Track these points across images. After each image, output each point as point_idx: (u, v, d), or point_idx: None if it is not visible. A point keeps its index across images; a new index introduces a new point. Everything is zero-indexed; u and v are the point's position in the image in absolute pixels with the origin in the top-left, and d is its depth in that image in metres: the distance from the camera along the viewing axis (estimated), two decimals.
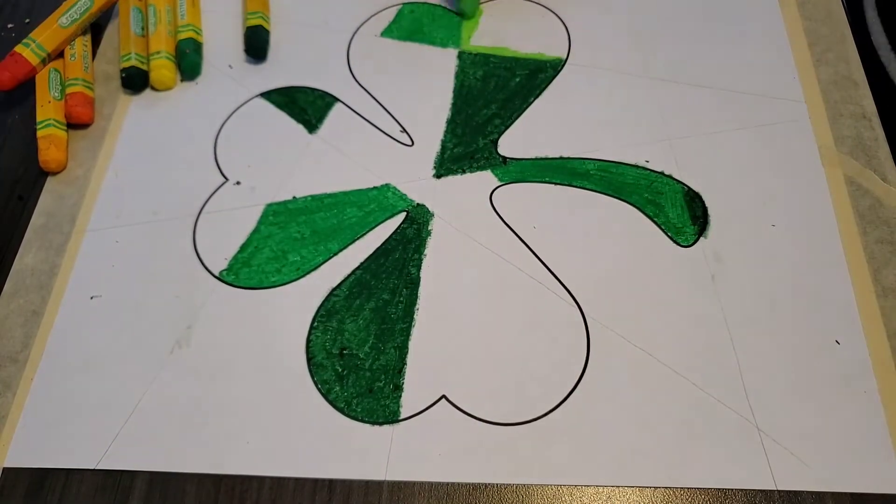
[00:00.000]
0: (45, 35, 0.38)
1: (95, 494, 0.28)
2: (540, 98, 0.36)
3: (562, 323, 0.30)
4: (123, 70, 0.39)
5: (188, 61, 0.39)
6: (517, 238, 0.32)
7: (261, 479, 0.28)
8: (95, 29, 0.42)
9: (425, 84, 0.38)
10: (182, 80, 0.40)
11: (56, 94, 0.38)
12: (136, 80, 0.39)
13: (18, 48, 0.38)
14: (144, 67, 0.39)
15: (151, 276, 0.33)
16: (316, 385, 0.30)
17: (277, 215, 0.34)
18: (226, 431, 0.29)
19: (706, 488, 0.26)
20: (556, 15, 0.39)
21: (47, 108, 0.37)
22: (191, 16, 0.40)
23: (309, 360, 0.30)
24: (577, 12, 0.39)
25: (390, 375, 0.29)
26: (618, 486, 0.27)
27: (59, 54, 0.40)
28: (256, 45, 0.39)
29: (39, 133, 0.37)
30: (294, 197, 0.35)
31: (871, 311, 0.29)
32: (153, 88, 0.39)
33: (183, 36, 0.39)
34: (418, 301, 0.31)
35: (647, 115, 0.35)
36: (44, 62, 0.39)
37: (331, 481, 0.28)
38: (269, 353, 0.30)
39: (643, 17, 0.39)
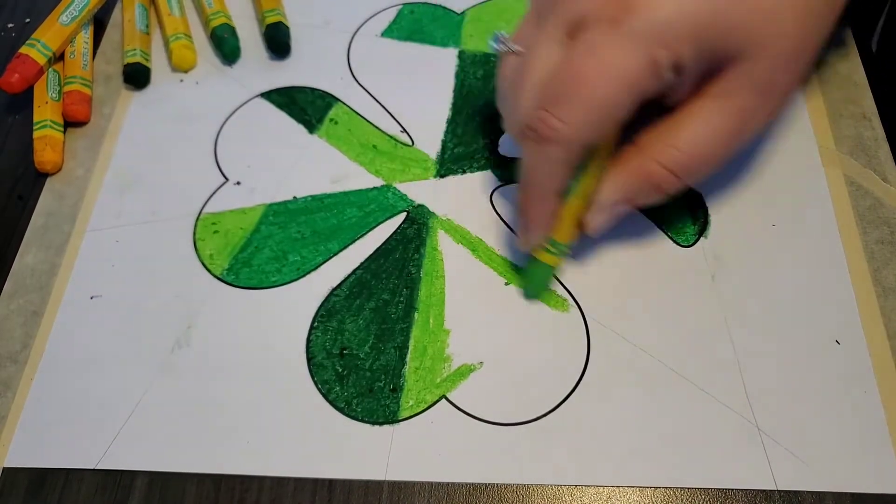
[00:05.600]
0: (48, 34, 0.38)
1: (95, 494, 0.28)
2: None
3: (562, 323, 0.30)
4: (128, 65, 0.39)
5: (229, 45, 0.39)
6: (517, 238, 0.32)
7: (261, 479, 0.28)
8: (97, 27, 0.42)
9: (425, 84, 0.38)
10: (224, 64, 0.40)
11: (54, 95, 0.38)
12: (139, 77, 0.39)
13: (24, 49, 0.38)
14: (148, 64, 0.40)
15: (151, 275, 0.33)
16: (316, 385, 0.30)
17: (277, 215, 0.34)
18: (226, 431, 0.29)
19: (706, 488, 0.26)
20: None
21: (44, 109, 0.37)
22: (217, 3, 0.41)
23: (309, 360, 0.30)
24: None
25: (390, 375, 0.29)
26: (618, 486, 0.27)
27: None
28: (279, 41, 0.39)
29: (36, 134, 0.37)
30: (294, 197, 0.35)
31: (871, 311, 0.29)
32: (174, 70, 0.40)
33: (217, 22, 0.40)
34: (418, 301, 0.31)
35: None
36: (50, 62, 0.39)
37: (331, 481, 0.28)
38: (269, 353, 0.30)
39: None
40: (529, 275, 0.31)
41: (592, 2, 0.25)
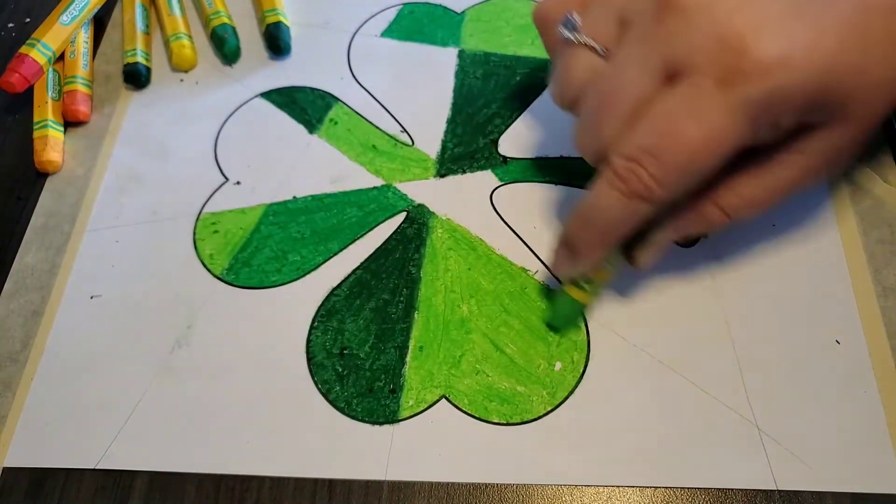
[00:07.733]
0: (48, 34, 0.38)
1: (95, 494, 0.28)
2: (540, 97, 0.36)
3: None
4: (128, 65, 0.39)
5: (229, 45, 0.40)
6: (518, 238, 0.32)
7: (261, 479, 0.28)
8: (98, 27, 0.42)
9: (425, 84, 0.38)
10: (224, 64, 0.40)
11: (54, 95, 0.38)
12: (139, 77, 0.39)
13: (24, 49, 0.38)
14: (148, 64, 0.40)
15: (151, 276, 0.33)
16: (316, 385, 0.30)
17: (277, 215, 0.34)
18: (226, 431, 0.29)
19: (706, 488, 0.26)
20: None
21: (44, 109, 0.37)
22: (217, 3, 0.41)
23: (309, 359, 0.30)
24: None
25: (390, 375, 0.29)
26: (618, 486, 0.27)
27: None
28: (279, 41, 0.39)
29: (35, 134, 0.37)
30: (294, 197, 0.35)
31: (871, 311, 0.29)
32: (174, 70, 0.40)
33: (217, 22, 0.40)
34: (418, 301, 0.31)
35: None
36: (50, 61, 0.39)
37: (331, 481, 0.28)
38: (269, 353, 0.30)
39: None
40: (558, 308, 0.30)
41: (703, 51, 0.22)
